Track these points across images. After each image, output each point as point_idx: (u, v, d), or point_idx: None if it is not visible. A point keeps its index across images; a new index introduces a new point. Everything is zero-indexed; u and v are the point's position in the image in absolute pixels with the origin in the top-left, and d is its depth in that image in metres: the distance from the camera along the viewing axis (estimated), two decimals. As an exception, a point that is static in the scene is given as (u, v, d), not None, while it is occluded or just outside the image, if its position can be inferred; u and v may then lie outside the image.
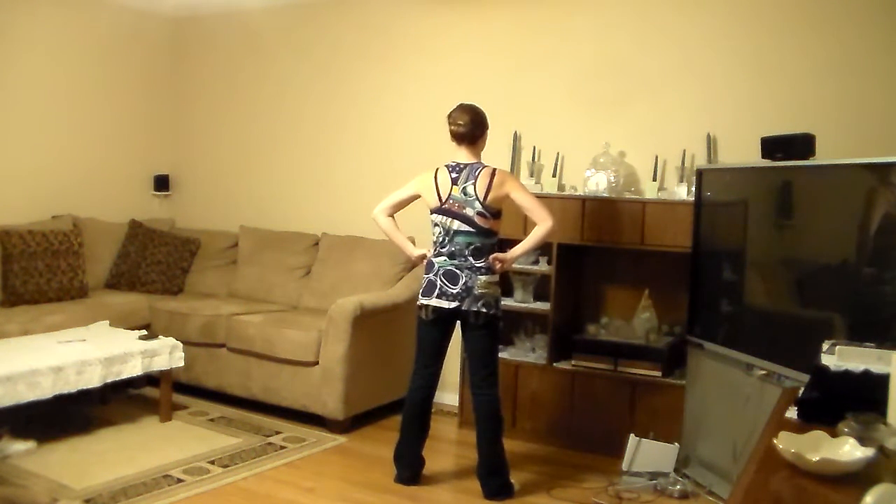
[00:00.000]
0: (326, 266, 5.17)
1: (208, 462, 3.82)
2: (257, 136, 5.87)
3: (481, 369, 3.59)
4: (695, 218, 3.89)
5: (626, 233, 4.11)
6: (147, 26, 6.03)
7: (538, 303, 4.45)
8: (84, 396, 4.18)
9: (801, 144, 3.40)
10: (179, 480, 3.58)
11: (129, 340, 4.31)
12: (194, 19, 6.10)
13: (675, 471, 3.77)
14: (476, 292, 3.50)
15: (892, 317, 2.87)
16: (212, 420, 4.49)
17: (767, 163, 3.52)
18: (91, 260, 5.32)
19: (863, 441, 1.65)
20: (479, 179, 3.50)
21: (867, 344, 2.19)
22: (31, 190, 5.34)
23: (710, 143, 4.19)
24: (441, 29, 5.06)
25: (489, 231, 3.54)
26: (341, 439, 4.28)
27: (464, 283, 3.50)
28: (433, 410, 3.78)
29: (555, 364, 4.31)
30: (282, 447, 4.09)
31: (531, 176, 4.61)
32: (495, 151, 4.58)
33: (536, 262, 4.44)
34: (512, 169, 4.70)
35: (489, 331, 3.56)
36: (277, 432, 4.32)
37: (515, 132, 4.74)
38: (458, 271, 3.51)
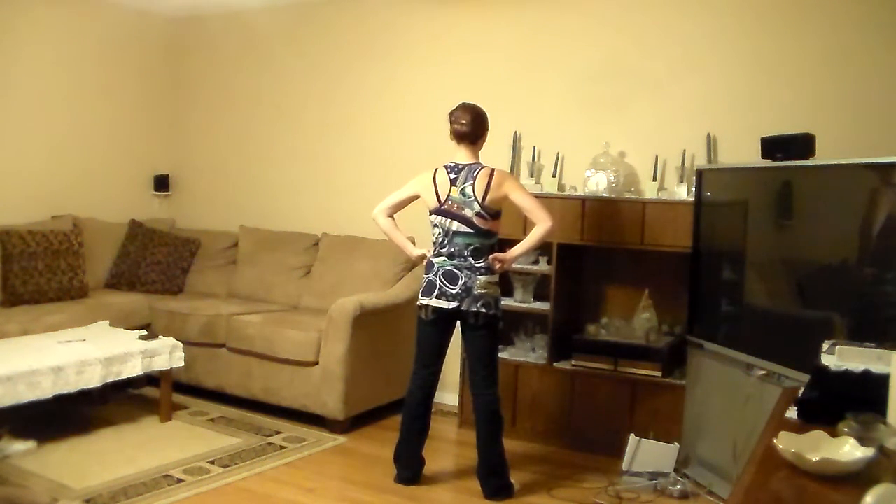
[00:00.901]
0: (326, 266, 5.17)
1: (208, 462, 3.82)
2: (257, 136, 5.87)
3: (481, 370, 3.59)
4: (695, 218, 3.89)
5: (626, 233, 4.11)
6: (147, 26, 6.04)
7: (538, 303, 4.45)
8: (84, 396, 4.18)
9: (801, 144, 3.40)
10: (179, 480, 3.58)
11: (129, 340, 4.31)
12: (194, 19, 6.10)
13: (675, 471, 3.77)
14: (476, 292, 3.49)
15: (892, 317, 2.86)
16: (212, 420, 4.49)
17: (767, 163, 3.52)
18: (91, 260, 5.32)
19: (863, 441, 1.65)
20: (477, 180, 3.50)
21: (867, 344, 2.19)
22: (31, 190, 5.34)
23: (710, 143, 4.19)
24: (441, 29, 5.07)
25: (488, 232, 3.54)
26: (341, 439, 4.28)
27: (463, 284, 3.50)
28: (433, 410, 3.78)
29: (555, 364, 4.31)
30: (282, 447, 4.09)
31: (531, 176, 4.61)
32: (495, 151, 4.58)
33: (536, 262, 4.44)
34: (512, 169, 4.70)
35: (489, 331, 3.56)
36: (277, 432, 4.32)
37: (515, 132, 4.74)
38: (457, 272, 3.51)
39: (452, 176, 3.55)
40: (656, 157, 4.32)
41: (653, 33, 4.40)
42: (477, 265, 3.51)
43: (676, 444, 3.83)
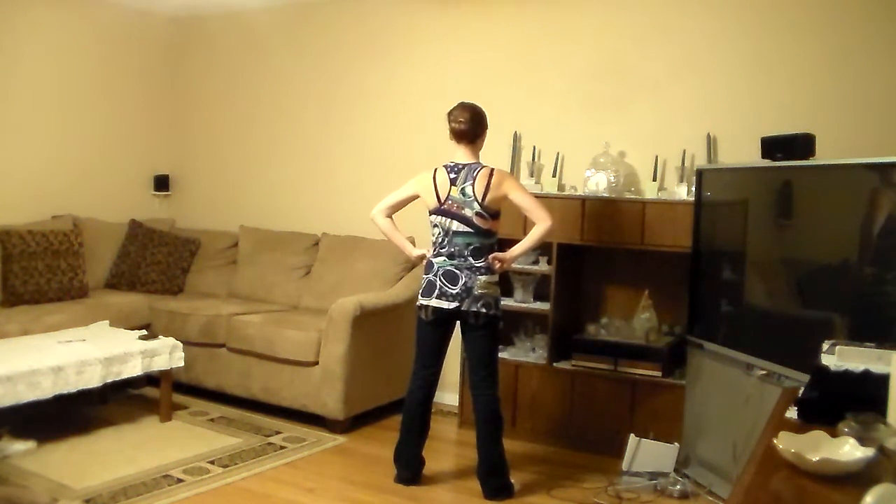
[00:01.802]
0: (326, 266, 5.17)
1: (208, 462, 3.82)
2: (257, 136, 5.87)
3: (481, 370, 3.59)
4: (695, 218, 3.89)
5: (626, 233, 4.11)
6: (147, 26, 6.04)
7: (538, 303, 4.45)
8: (84, 396, 4.18)
9: (801, 144, 3.40)
10: (179, 480, 3.58)
11: (129, 340, 4.31)
12: (194, 19, 6.10)
13: (675, 471, 3.77)
14: (476, 293, 3.49)
15: (893, 317, 2.86)
16: (212, 420, 4.49)
17: (767, 163, 3.52)
18: (91, 260, 5.32)
19: (863, 441, 1.65)
20: (477, 180, 3.49)
21: (867, 344, 2.19)
22: (31, 190, 5.34)
23: (710, 143, 4.19)
24: (441, 29, 5.07)
25: (488, 231, 3.54)
26: (341, 439, 4.28)
27: (463, 284, 3.50)
28: (433, 410, 3.77)
29: (555, 364, 4.31)
30: (282, 447, 4.09)
31: (531, 176, 4.61)
32: (495, 151, 4.58)
33: (536, 262, 4.44)
34: (512, 169, 4.70)
35: (489, 331, 3.56)
36: (277, 432, 4.32)
37: (515, 132, 4.74)
38: (457, 272, 3.51)
39: (452, 176, 3.54)
40: (656, 157, 4.32)
41: (653, 33, 4.40)
42: (477, 265, 3.51)
43: (676, 444, 3.83)
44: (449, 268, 3.53)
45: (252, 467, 3.79)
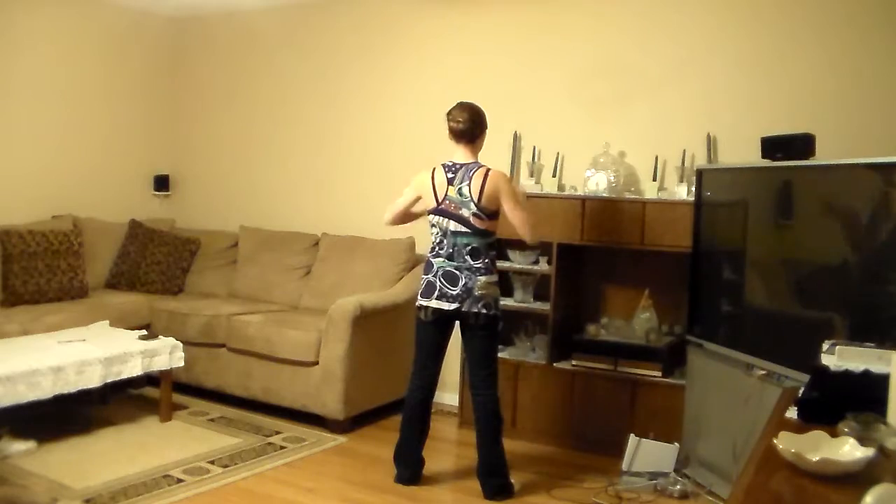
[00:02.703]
0: (326, 266, 5.17)
1: (208, 462, 3.82)
2: (257, 136, 5.87)
3: (481, 370, 3.59)
4: (695, 218, 3.89)
5: (626, 233, 4.11)
6: (147, 26, 6.04)
7: (538, 303, 4.45)
8: (84, 396, 4.18)
9: (801, 144, 3.40)
10: (179, 480, 3.58)
11: (129, 340, 4.31)
12: (194, 19, 6.10)
13: (675, 471, 3.77)
14: (476, 293, 3.49)
15: (893, 317, 2.86)
16: (212, 420, 4.48)
17: (767, 163, 3.52)
18: (91, 260, 5.32)
19: (863, 441, 1.65)
20: (473, 180, 3.48)
21: (867, 344, 2.19)
22: (31, 190, 5.34)
23: (710, 143, 4.19)
24: (441, 29, 5.07)
25: (485, 231, 3.54)
26: (341, 439, 4.28)
27: (464, 285, 3.49)
28: (433, 410, 3.77)
29: (555, 364, 4.31)
30: (282, 447, 4.09)
31: (531, 176, 4.61)
32: (495, 151, 4.58)
33: (536, 262, 4.44)
34: (512, 169, 4.70)
35: (489, 331, 3.56)
36: (277, 432, 4.31)
37: (515, 132, 4.74)
38: (457, 272, 3.51)
39: (450, 175, 3.54)
40: (656, 157, 4.32)
41: (653, 33, 4.40)
42: (476, 265, 3.51)
43: (676, 444, 3.83)
44: (449, 268, 3.52)
45: (252, 467, 3.79)
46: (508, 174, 4.25)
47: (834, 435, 1.69)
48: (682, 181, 4.20)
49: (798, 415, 1.99)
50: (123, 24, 5.87)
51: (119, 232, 5.60)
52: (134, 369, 4.18)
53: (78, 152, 5.66)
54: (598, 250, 4.37)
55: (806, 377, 2.24)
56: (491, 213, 3.52)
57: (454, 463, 4.10)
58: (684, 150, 4.22)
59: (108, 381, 4.07)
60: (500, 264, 4.46)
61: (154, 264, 5.49)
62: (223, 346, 4.76)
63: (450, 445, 4.35)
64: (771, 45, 4.09)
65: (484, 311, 3.50)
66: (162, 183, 6.17)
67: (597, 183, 4.30)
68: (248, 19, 5.81)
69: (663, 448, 3.83)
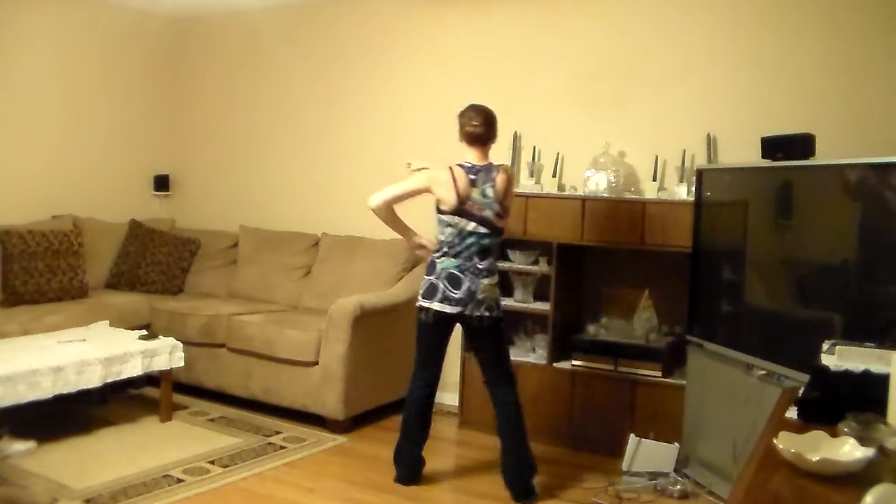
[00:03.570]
0: (326, 266, 5.17)
1: (208, 462, 3.82)
2: (257, 136, 5.87)
3: (493, 369, 3.59)
4: (695, 218, 3.89)
5: (626, 233, 4.11)
6: (147, 26, 6.03)
7: (538, 303, 4.45)
8: (84, 396, 4.18)
9: (801, 144, 3.40)
10: (179, 480, 3.58)
11: (129, 340, 4.31)
12: (194, 19, 6.10)
13: (675, 471, 3.77)
14: (479, 297, 3.48)
15: (893, 317, 2.86)
16: (212, 420, 4.48)
17: (767, 163, 3.52)
18: (91, 260, 5.32)
19: (863, 441, 1.65)
20: (497, 181, 3.49)
21: (867, 344, 2.19)
22: (31, 190, 5.34)
23: (710, 143, 4.19)
24: (441, 29, 5.06)
25: (501, 230, 3.58)
26: (341, 439, 4.28)
27: (467, 289, 3.47)
28: (433, 410, 3.77)
29: (555, 364, 4.31)
30: (282, 447, 4.09)
31: (531, 176, 4.61)
32: (495, 151, 4.54)
33: (536, 262, 4.44)
34: (512, 169, 4.69)
35: (494, 332, 3.57)
36: (277, 432, 4.31)
37: (515, 132, 4.74)
38: (460, 275, 3.49)
39: (472, 177, 3.49)
40: (656, 157, 4.32)
41: (653, 33, 4.40)
42: (480, 266, 3.50)
43: (676, 444, 3.83)
44: (453, 271, 3.50)
45: (252, 467, 3.79)
46: None
47: (834, 435, 1.69)
48: (682, 181, 4.20)
49: (798, 415, 1.99)
50: (123, 24, 5.87)
51: (119, 232, 5.60)
52: (134, 369, 4.18)
53: (78, 152, 5.66)
54: (598, 250, 4.37)
55: (806, 377, 2.24)
56: (506, 209, 3.57)
57: (454, 463, 4.10)
58: (684, 150, 4.22)
59: (108, 381, 4.07)
60: (500, 264, 4.46)
61: (154, 264, 5.49)
62: (223, 346, 4.76)
63: (450, 445, 4.35)
64: (771, 45, 4.08)
65: (487, 313, 3.50)
66: (162, 183, 6.17)
67: (597, 183, 4.30)
68: (248, 19, 5.81)
69: (663, 448, 3.82)
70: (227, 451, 3.98)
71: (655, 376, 4.06)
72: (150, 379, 4.67)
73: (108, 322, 4.67)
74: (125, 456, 3.83)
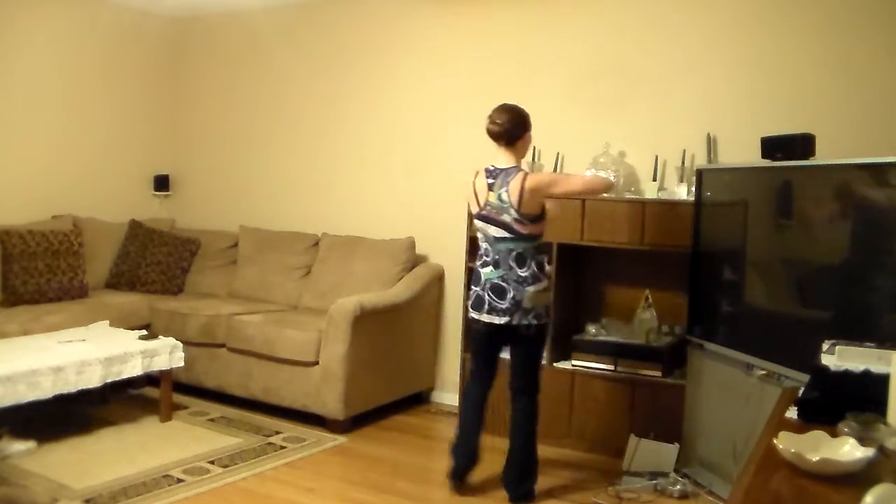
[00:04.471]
0: (326, 266, 5.17)
1: (208, 462, 3.82)
2: (257, 136, 5.87)
3: (523, 376, 3.54)
4: (695, 218, 3.89)
5: (626, 233, 4.11)
6: (147, 26, 6.03)
7: (538, 303, 4.44)
8: (84, 396, 4.18)
9: (801, 144, 3.40)
10: (179, 480, 3.58)
11: (129, 340, 4.31)
12: (194, 19, 6.10)
13: (675, 471, 3.77)
14: (525, 305, 3.41)
15: (893, 317, 2.86)
16: (212, 420, 4.48)
17: (767, 163, 3.52)
18: (91, 260, 5.32)
19: (863, 441, 1.65)
20: (511, 185, 3.39)
21: (867, 344, 2.19)
22: (31, 190, 5.34)
23: (710, 143, 4.19)
24: (441, 29, 5.06)
25: (530, 236, 3.44)
26: (341, 439, 4.28)
27: (512, 298, 3.41)
28: (434, 411, 3.77)
29: (555, 364, 4.31)
30: (282, 447, 4.09)
31: (531, 176, 4.61)
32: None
33: (536, 262, 4.44)
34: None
35: (538, 339, 3.51)
36: (277, 432, 4.31)
37: (515, 132, 4.73)
38: (504, 284, 3.42)
39: (490, 181, 3.46)
40: (656, 157, 4.32)
41: (653, 33, 4.40)
42: (522, 275, 3.41)
43: (676, 444, 3.83)
44: (497, 281, 3.44)
45: (252, 467, 3.79)
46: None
47: (834, 435, 1.69)
48: (682, 181, 4.20)
49: (798, 415, 1.98)
50: (123, 24, 5.87)
51: (119, 232, 5.60)
52: (134, 369, 4.18)
53: (78, 152, 5.66)
54: (598, 250, 4.37)
55: (806, 377, 2.24)
56: (534, 217, 3.43)
57: (454, 463, 4.10)
58: (684, 150, 4.22)
59: (108, 381, 4.07)
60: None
61: (154, 264, 5.49)
62: (223, 346, 4.76)
63: (450, 445, 4.34)
64: (771, 45, 4.08)
65: (535, 321, 3.44)
66: (162, 183, 6.17)
67: (597, 183, 4.30)
68: (248, 19, 5.81)
69: (663, 448, 3.82)
70: (227, 451, 3.98)
71: (655, 376, 4.05)
72: (150, 379, 4.67)
73: (108, 322, 4.67)
74: (125, 456, 3.83)
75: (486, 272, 3.48)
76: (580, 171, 4.43)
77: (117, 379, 4.13)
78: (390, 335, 4.62)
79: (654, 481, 3.71)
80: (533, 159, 4.65)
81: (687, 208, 3.95)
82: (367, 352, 4.43)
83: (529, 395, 3.56)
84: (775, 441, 1.64)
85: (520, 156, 3.53)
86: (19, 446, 3.77)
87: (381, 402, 4.61)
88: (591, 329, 4.38)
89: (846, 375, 2.03)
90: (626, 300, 4.39)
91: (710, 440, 3.70)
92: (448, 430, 4.53)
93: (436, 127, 4.98)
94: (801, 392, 2.15)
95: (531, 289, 3.42)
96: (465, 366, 4.49)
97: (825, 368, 2.11)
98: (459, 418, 3.69)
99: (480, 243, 3.54)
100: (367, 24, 5.35)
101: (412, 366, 4.79)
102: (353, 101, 5.42)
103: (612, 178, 3.67)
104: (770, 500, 1.51)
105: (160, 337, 4.48)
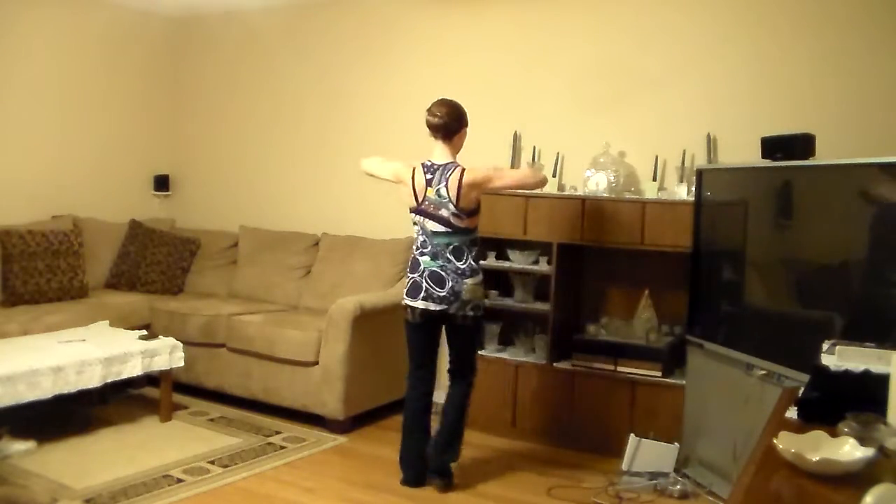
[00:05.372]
0: (326, 266, 5.17)
1: (208, 462, 3.82)
2: (257, 136, 5.87)
3: (460, 361, 3.68)
4: (695, 218, 3.89)
5: (626, 233, 4.11)
6: (147, 26, 6.04)
7: (538, 303, 4.45)
8: (84, 396, 4.18)
9: (801, 144, 3.40)
10: (179, 480, 3.58)
11: (129, 340, 4.31)
12: (194, 19, 6.10)
13: (675, 471, 3.77)
14: (464, 297, 3.52)
15: (893, 317, 2.86)
16: (212, 420, 4.48)
17: (767, 163, 3.52)
18: (91, 260, 5.32)
19: (863, 441, 1.65)
20: (450, 181, 3.50)
21: (867, 344, 2.19)
22: (31, 190, 5.34)
23: (710, 143, 4.19)
24: (441, 29, 5.06)
25: (466, 229, 3.56)
26: (341, 439, 4.28)
27: (451, 288, 3.51)
28: (433, 410, 3.77)
29: (555, 364, 4.31)
30: (282, 447, 4.09)
31: (531, 176, 4.61)
32: (495, 151, 4.59)
33: (536, 262, 4.44)
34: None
35: (474, 329, 3.65)
36: (277, 432, 4.31)
37: (515, 132, 4.74)
38: (443, 274, 3.52)
39: (428, 176, 3.55)
40: (656, 157, 4.32)
41: (653, 33, 4.40)
42: (461, 267, 3.52)
43: (676, 444, 3.83)
44: (435, 269, 3.53)
45: (252, 467, 3.79)
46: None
47: (834, 435, 1.69)
48: (682, 181, 4.20)
49: (798, 415, 1.98)
50: (123, 24, 5.87)
51: (119, 232, 5.60)
52: (134, 369, 4.18)
53: (78, 152, 5.66)
54: (598, 250, 4.37)
55: (806, 377, 2.24)
56: (470, 211, 3.54)
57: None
58: (684, 150, 4.22)
59: (108, 381, 4.07)
60: (500, 264, 4.48)
61: (154, 264, 5.49)
62: (223, 346, 4.76)
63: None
64: (771, 45, 4.08)
65: (472, 313, 3.56)
66: (162, 183, 6.17)
67: (597, 183, 4.30)
68: (248, 19, 5.81)
69: (663, 448, 3.82)
70: (227, 451, 3.98)
71: (655, 376, 4.05)
72: (150, 379, 4.67)
73: (108, 322, 4.67)
74: (125, 456, 3.83)
75: (425, 261, 3.56)
76: (580, 171, 4.43)
77: (117, 379, 4.13)
78: (390, 335, 4.61)
79: (654, 481, 3.71)
80: (533, 159, 4.65)
81: (687, 208, 3.95)
82: (367, 352, 4.43)
83: (466, 378, 3.68)
84: (775, 441, 1.64)
85: (456, 150, 3.62)
86: (19, 446, 3.77)
87: (381, 402, 4.61)
88: (591, 329, 4.38)
89: (846, 375, 2.03)
90: (626, 300, 4.39)
91: (710, 440, 3.70)
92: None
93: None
94: (801, 392, 2.15)
95: (469, 281, 3.52)
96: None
97: (825, 368, 2.11)
98: (403, 426, 3.71)
99: (417, 235, 3.61)
100: (367, 24, 5.35)
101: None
102: (353, 100, 5.42)
103: (544, 174, 3.74)
104: (770, 500, 1.51)
105: (160, 337, 4.48)
